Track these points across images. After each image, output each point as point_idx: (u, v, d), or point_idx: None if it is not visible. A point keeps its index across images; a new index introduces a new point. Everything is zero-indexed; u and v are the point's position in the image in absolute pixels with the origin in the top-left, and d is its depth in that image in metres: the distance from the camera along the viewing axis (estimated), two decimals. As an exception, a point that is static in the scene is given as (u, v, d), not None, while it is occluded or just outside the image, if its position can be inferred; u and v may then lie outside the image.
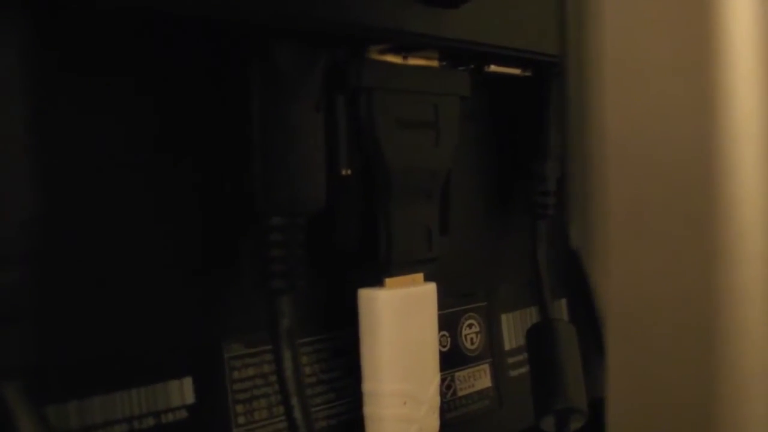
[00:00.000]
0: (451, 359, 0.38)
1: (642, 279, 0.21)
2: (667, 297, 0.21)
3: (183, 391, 0.29)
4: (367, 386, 0.32)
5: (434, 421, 0.34)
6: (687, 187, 0.21)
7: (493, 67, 0.37)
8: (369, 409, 0.32)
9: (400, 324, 0.32)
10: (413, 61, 0.33)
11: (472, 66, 0.36)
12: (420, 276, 0.33)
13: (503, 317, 0.42)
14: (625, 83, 0.22)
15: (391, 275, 0.32)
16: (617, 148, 0.21)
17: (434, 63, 0.34)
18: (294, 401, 0.29)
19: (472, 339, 0.40)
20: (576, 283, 0.44)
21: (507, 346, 0.42)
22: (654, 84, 0.21)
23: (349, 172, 0.31)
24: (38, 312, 0.24)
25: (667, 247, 0.21)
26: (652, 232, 0.21)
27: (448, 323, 0.38)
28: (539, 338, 0.39)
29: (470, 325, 0.40)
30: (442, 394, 0.37)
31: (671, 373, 0.21)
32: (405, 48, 0.32)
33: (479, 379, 0.40)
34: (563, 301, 0.45)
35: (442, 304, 0.35)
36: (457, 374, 0.39)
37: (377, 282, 0.32)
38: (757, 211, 0.20)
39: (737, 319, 0.20)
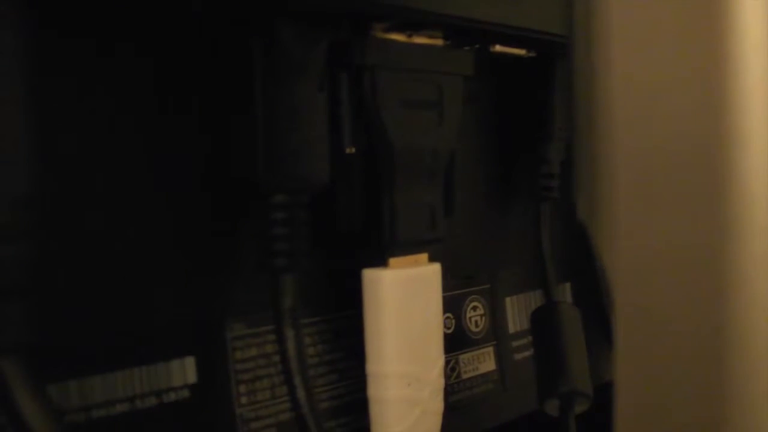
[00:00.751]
0: (456, 341, 0.38)
1: (649, 255, 0.21)
2: (675, 275, 0.20)
3: (185, 371, 0.29)
4: (371, 368, 0.32)
5: (438, 403, 0.33)
6: (694, 165, 0.20)
7: (498, 47, 0.36)
8: (373, 391, 0.32)
9: (404, 305, 0.32)
10: (418, 40, 0.33)
11: (477, 46, 0.36)
12: (424, 256, 0.33)
13: (507, 300, 0.41)
14: (632, 63, 0.21)
15: (394, 255, 0.32)
16: (624, 125, 0.21)
17: (439, 42, 0.34)
18: (296, 381, 0.29)
19: (476, 321, 0.39)
20: (582, 262, 0.43)
21: (511, 329, 0.41)
22: (662, 63, 0.21)
23: (353, 150, 0.31)
24: (39, 289, 0.24)
25: (675, 223, 0.21)
26: (659, 208, 0.21)
27: (452, 305, 0.38)
28: (543, 321, 0.39)
29: (474, 308, 0.39)
30: (447, 377, 0.37)
31: (680, 354, 0.21)
32: (410, 26, 0.32)
33: (483, 361, 0.40)
34: (567, 285, 0.45)
35: (446, 287, 0.34)
36: (461, 357, 0.38)
37: (381, 262, 0.32)
38: (766, 185, 0.20)
39: (747, 297, 0.20)
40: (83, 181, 0.27)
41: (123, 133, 0.27)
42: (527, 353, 0.41)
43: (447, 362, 0.37)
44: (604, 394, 0.37)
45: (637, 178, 0.21)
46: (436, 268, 0.33)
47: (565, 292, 0.44)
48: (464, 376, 0.38)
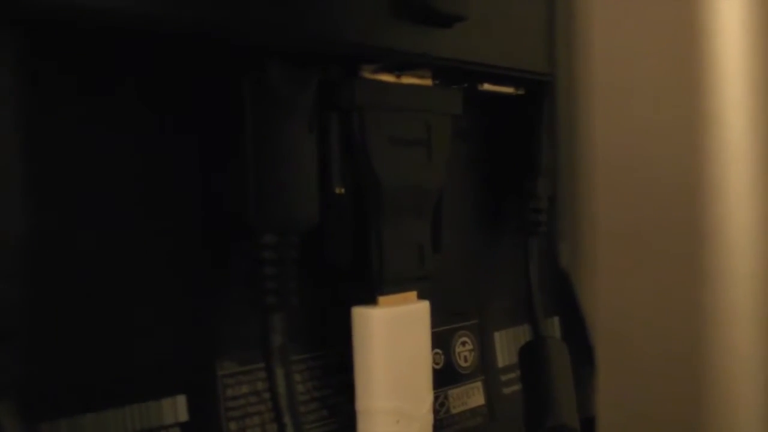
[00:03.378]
0: (445, 377, 0.39)
1: (630, 297, 0.21)
2: (656, 315, 0.21)
3: (176, 409, 0.29)
4: (361, 404, 0.32)
5: (427, 439, 0.34)
6: (676, 205, 0.21)
7: (486, 86, 0.37)
8: (362, 427, 0.32)
9: (393, 342, 0.32)
10: (406, 80, 0.33)
11: (466, 84, 0.36)
12: (413, 294, 0.34)
13: (496, 335, 0.42)
14: (614, 103, 0.22)
15: (384, 293, 0.32)
16: (606, 167, 0.22)
17: (427, 81, 0.34)
18: (287, 419, 0.29)
19: (465, 357, 0.40)
20: (567, 301, 0.44)
21: (500, 364, 0.42)
22: (643, 104, 0.21)
23: (342, 190, 0.31)
24: (30, 329, 0.24)
25: (655, 265, 0.21)
26: (640, 251, 0.21)
27: (441, 341, 0.38)
28: (531, 356, 0.39)
29: (463, 343, 0.40)
30: (436, 412, 0.37)
31: (660, 390, 0.21)
32: (398, 66, 0.32)
33: (472, 396, 0.40)
34: (555, 319, 0.45)
35: (435, 322, 0.35)
36: (450, 392, 0.39)
37: (370, 300, 0.32)
38: (745, 231, 0.20)
39: (725, 336, 0.20)
40: (74, 220, 0.27)
41: (114, 174, 0.28)
42: (516, 387, 0.42)
43: (436, 398, 0.37)
44: (586, 429, 0.38)
45: (618, 224, 0.22)
46: (425, 305, 0.34)
47: (553, 326, 0.45)
48: (453, 411, 0.39)
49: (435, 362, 0.38)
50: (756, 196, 0.20)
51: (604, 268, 0.22)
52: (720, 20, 0.21)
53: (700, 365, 0.21)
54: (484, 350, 0.41)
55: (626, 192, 0.21)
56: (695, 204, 0.21)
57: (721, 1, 0.21)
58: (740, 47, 0.20)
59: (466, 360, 0.40)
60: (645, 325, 0.21)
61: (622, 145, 0.21)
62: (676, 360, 0.21)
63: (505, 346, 0.42)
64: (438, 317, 0.37)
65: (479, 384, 0.40)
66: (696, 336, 0.21)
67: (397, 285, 0.33)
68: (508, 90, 0.38)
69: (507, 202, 0.42)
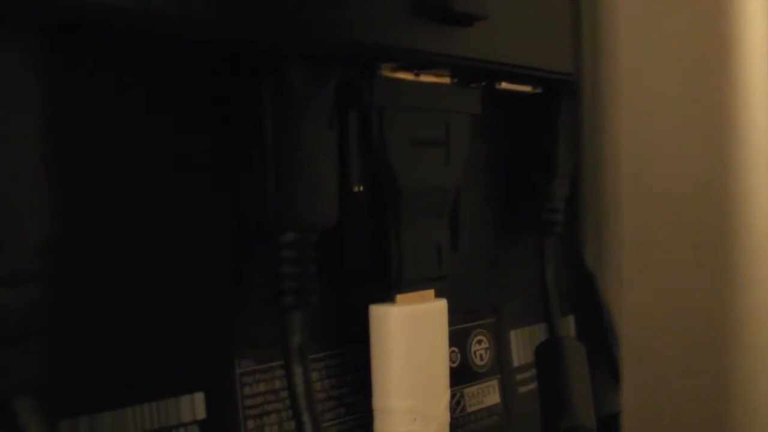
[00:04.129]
0: (461, 375, 0.39)
1: (655, 301, 0.21)
2: (680, 319, 0.21)
3: (195, 407, 0.29)
4: (378, 402, 0.32)
5: (444, 438, 0.34)
6: (700, 210, 0.21)
7: (504, 85, 0.37)
8: (379, 425, 0.32)
9: (410, 340, 0.32)
10: (425, 78, 0.33)
11: (484, 83, 0.36)
12: (431, 292, 0.34)
13: (512, 333, 0.42)
14: (639, 104, 0.22)
15: (401, 292, 0.32)
16: (630, 169, 0.22)
17: (446, 80, 0.34)
18: (305, 417, 0.29)
19: (481, 355, 0.40)
20: (587, 302, 0.44)
21: (516, 363, 0.42)
22: (668, 105, 0.21)
23: (360, 188, 0.31)
24: (51, 328, 0.24)
25: (680, 268, 0.21)
26: (664, 253, 0.21)
27: (457, 339, 0.39)
28: (547, 356, 0.39)
29: (479, 342, 0.40)
30: (452, 410, 0.37)
31: (684, 396, 0.21)
32: (417, 65, 0.32)
33: (488, 395, 0.40)
34: (571, 318, 0.45)
35: (452, 321, 0.35)
36: (466, 390, 0.39)
37: (388, 298, 0.32)
38: (770, 234, 0.20)
39: (749, 340, 0.20)
40: (95, 220, 0.27)
41: (135, 174, 0.28)
42: (532, 386, 0.42)
43: (452, 396, 0.37)
44: (609, 427, 0.38)
45: (643, 225, 0.21)
46: (442, 304, 0.34)
47: (569, 325, 0.45)
48: (469, 410, 0.39)
49: (451, 360, 0.38)
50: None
51: (628, 269, 0.21)
52: (747, 22, 0.21)
53: (725, 365, 0.21)
54: (500, 349, 0.41)
55: (651, 194, 0.21)
56: (721, 206, 0.21)
57: (752, 4, 0.21)
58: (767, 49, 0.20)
59: (482, 358, 0.40)
60: (669, 326, 0.21)
61: (647, 146, 0.21)
62: (700, 359, 0.21)
63: (521, 345, 0.42)
64: (454, 316, 0.37)
65: (495, 383, 0.40)
66: (720, 336, 0.21)
67: (415, 284, 0.33)
68: (525, 89, 0.38)
69: (524, 202, 0.42)
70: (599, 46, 0.24)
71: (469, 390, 0.39)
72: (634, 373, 0.22)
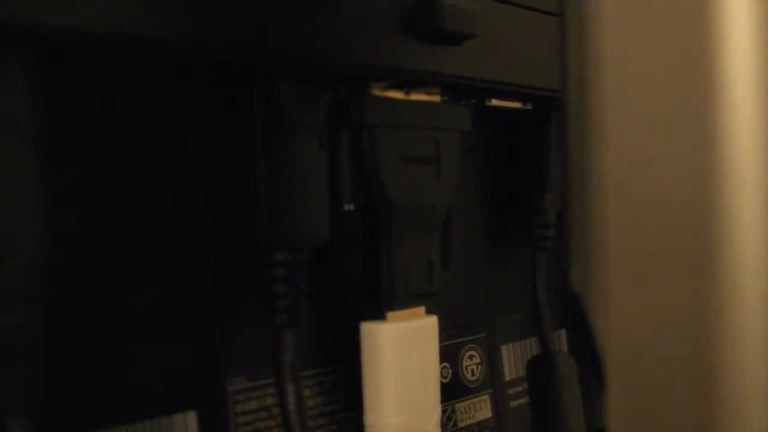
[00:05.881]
0: (452, 390, 0.39)
1: (641, 320, 0.21)
2: (666, 339, 0.21)
3: (187, 425, 0.29)
4: (369, 419, 0.32)
5: (435, 453, 0.34)
6: (687, 225, 0.21)
7: (494, 101, 0.37)
8: (371, 442, 0.32)
9: (401, 357, 0.32)
10: (415, 96, 0.33)
11: (474, 100, 0.37)
12: (421, 309, 0.34)
13: (503, 348, 0.42)
14: (625, 120, 0.22)
15: (392, 309, 0.32)
16: (617, 187, 0.22)
17: (436, 98, 0.34)
18: (297, 434, 0.29)
19: (472, 370, 0.40)
20: (576, 318, 0.44)
21: (507, 377, 0.42)
22: (655, 122, 0.21)
23: (351, 207, 0.32)
24: (45, 348, 0.24)
25: (667, 283, 0.21)
26: (651, 272, 0.21)
27: (449, 355, 0.39)
28: (539, 371, 0.39)
29: (471, 357, 0.40)
30: (443, 425, 0.37)
31: (671, 411, 0.21)
32: (407, 84, 0.33)
33: (480, 409, 0.40)
34: (563, 332, 0.45)
35: (443, 336, 0.35)
36: (457, 405, 0.39)
37: (379, 315, 0.32)
38: (756, 254, 0.20)
39: (736, 356, 0.21)
40: (86, 239, 0.27)
41: (127, 193, 0.28)
42: (523, 401, 0.42)
43: (443, 411, 0.38)
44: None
45: (630, 245, 0.22)
46: (433, 320, 0.34)
47: (560, 339, 0.45)
48: (461, 425, 0.39)
49: (442, 376, 0.38)
50: None
51: (614, 285, 0.22)
52: (734, 40, 0.21)
53: (712, 379, 0.21)
54: (492, 363, 0.41)
55: (638, 210, 0.22)
56: (707, 223, 0.21)
57: (735, 20, 0.21)
58: (754, 68, 0.20)
59: (473, 373, 0.40)
60: (656, 342, 0.21)
61: (633, 162, 0.22)
62: (687, 373, 0.21)
63: (513, 360, 0.42)
64: (446, 331, 0.37)
65: (486, 397, 0.41)
66: (707, 351, 0.21)
67: (406, 301, 0.33)
68: (515, 105, 0.39)
69: (515, 216, 0.42)
70: (586, 61, 0.24)
71: (461, 405, 0.39)
72: (621, 388, 0.22)
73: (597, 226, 0.22)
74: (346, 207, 0.32)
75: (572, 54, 0.27)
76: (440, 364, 0.36)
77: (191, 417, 0.29)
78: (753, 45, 0.21)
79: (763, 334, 0.20)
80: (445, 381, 0.38)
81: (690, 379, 0.20)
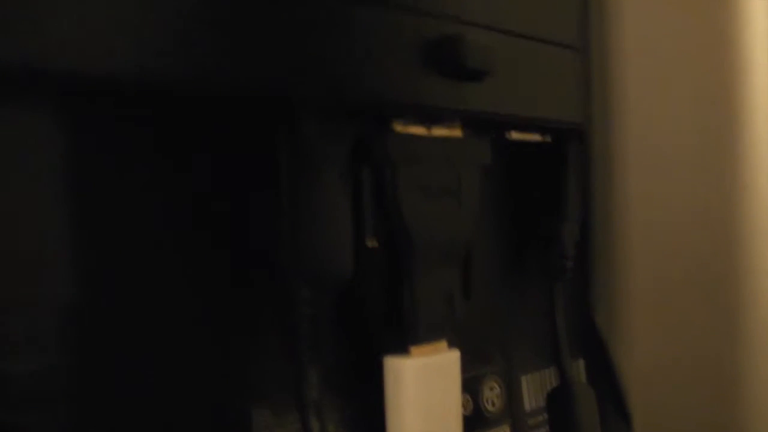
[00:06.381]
0: (473, 422, 0.39)
1: (664, 355, 0.22)
2: (690, 373, 0.21)
3: (212, 460, 0.30)
4: (392, 453, 0.32)
5: (457, 486, 0.34)
6: (709, 259, 0.21)
7: (514, 134, 0.38)
8: (394, 476, 0.32)
9: (424, 391, 0.33)
10: (437, 132, 0.34)
11: (494, 133, 0.37)
12: (444, 343, 0.34)
13: (523, 378, 0.42)
14: (648, 153, 0.22)
15: (416, 343, 0.33)
16: (640, 215, 0.22)
17: (457, 132, 0.35)
18: (321, 470, 0.29)
19: (492, 401, 0.40)
20: (595, 353, 0.44)
21: (527, 407, 0.42)
22: (678, 154, 0.22)
23: (374, 242, 0.32)
24: (73, 392, 0.24)
25: (689, 316, 0.21)
26: (674, 307, 0.22)
27: (470, 386, 0.39)
28: (559, 401, 0.40)
29: (491, 388, 0.40)
30: (464, 457, 0.37)
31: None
32: (429, 119, 0.33)
33: (500, 441, 0.40)
34: (581, 362, 0.45)
35: (464, 368, 0.35)
36: (478, 437, 0.39)
37: (403, 350, 0.33)
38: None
39: (759, 391, 0.21)
40: (112, 278, 0.27)
41: (153, 229, 0.28)
42: (543, 431, 0.42)
43: (465, 443, 0.38)
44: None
45: (653, 274, 0.22)
46: (455, 355, 0.34)
47: (579, 369, 0.45)
48: (482, 456, 0.39)
49: (463, 407, 0.38)
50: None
51: (637, 317, 0.22)
52: (759, 71, 0.21)
53: (734, 417, 0.21)
54: (512, 394, 0.41)
55: (660, 241, 0.22)
56: (730, 254, 0.21)
57: (760, 49, 0.21)
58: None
59: (493, 404, 0.40)
60: (679, 376, 0.22)
61: (656, 194, 0.22)
62: (710, 409, 0.21)
63: (532, 390, 0.42)
64: (466, 363, 0.37)
65: (506, 428, 0.41)
66: (731, 390, 0.21)
67: (428, 335, 0.33)
68: (535, 137, 0.39)
69: (534, 246, 0.42)
70: (608, 95, 0.25)
71: (482, 436, 0.39)
72: (645, 423, 0.22)
73: (620, 253, 0.22)
74: (369, 243, 0.32)
75: (595, 87, 0.27)
76: (462, 395, 0.36)
77: (216, 453, 0.30)
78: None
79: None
80: (466, 413, 0.38)
81: (713, 411, 0.21)
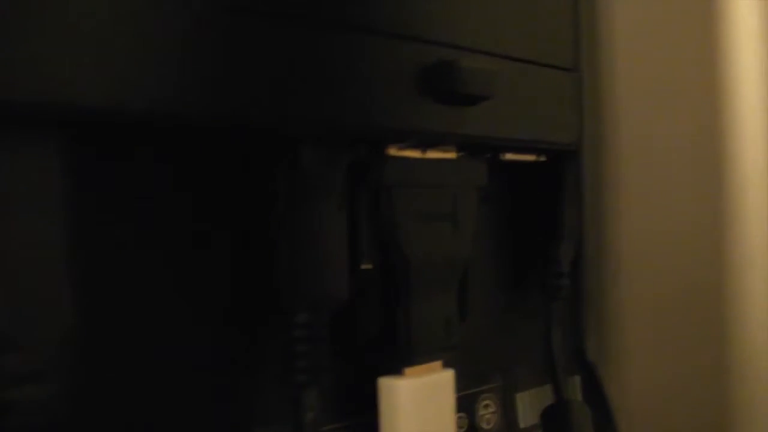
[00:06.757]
0: (468, 440, 0.39)
1: (658, 388, 0.22)
2: (683, 406, 0.22)
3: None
4: (388, 472, 0.33)
5: (452, 505, 0.34)
6: (701, 273, 0.21)
7: (509, 156, 0.38)
8: (388, 496, 0.33)
9: (418, 412, 0.33)
10: (432, 155, 0.34)
11: (489, 155, 0.37)
12: (438, 364, 0.34)
13: (518, 396, 0.42)
14: (640, 172, 0.22)
15: (410, 365, 0.33)
16: (632, 233, 0.22)
17: (452, 154, 0.35)
18: (317, 492, 0.30)
19: (488, 420, 0.40)
20: (589, 391, 0.44)
21: (522, 425, 0.42)
22: (670, 173, 0.22)
23: (370, 266, 0.32)
24: (73, 419, 0.25)
25: (684, 354, 0.22)
26: (667, 338, 0.22)
27: (465, 405, 0.39)
28: (554, 420, 0.40)
29: (486, 406, 0.40)
30: (459, 475, 0.38)
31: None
32: (424, 144, 0.33)
33: (495, 458, 0.40)
34: (577, 379, 0.45)
35: (460, 386, 0.35)
36: (473, 455, 0.39)
37: (397, 371, 0.33)
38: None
39: (751, 402, 0.21)
40: (110, 302, 0.28)
41: (149, 254, 0.29)
42: (538, 448, 0.42)
43: (460, 461, 0.38)
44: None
45: (644, 291, 0.22)
46: (449, 375, 0.34)
47: (574, 386, 0.45)
48: (477, 474, 0.39)
49: (459, 426, 0.38)
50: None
51: (629, 336, 0.22)
52: (745, 78, 0.22)
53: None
54: (507, 412, 0.41)
55: (652, 259, 0.22)
56: (722, 270, 0.21)
57: (744, 59, 0.22)
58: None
59: (488, 423, 0.40)
60: (672, 408, 0.22)
61: (647, 212, 0.22)
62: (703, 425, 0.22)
63: (527, 408, 0.42)
64: (461, 381, 0.38)
65: (502, 446, 0.41)
66: (723, 403, 0.21)
67: (423, 356, 0.34)
68: (529, 158, 0.39)
69: (530, 266, 0.42)
70: (600, 115, 0.25)
71: (477, 454, 0.40)
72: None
73: (612, 282, 0.22)
74: (364, 266, 0.32)
75: (588, 108, 0.28)
76: (457, 414, 0.37)
77: (214, 474, 0.30)
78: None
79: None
80: (462, 431, 0.39)
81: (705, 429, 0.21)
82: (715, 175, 0.22)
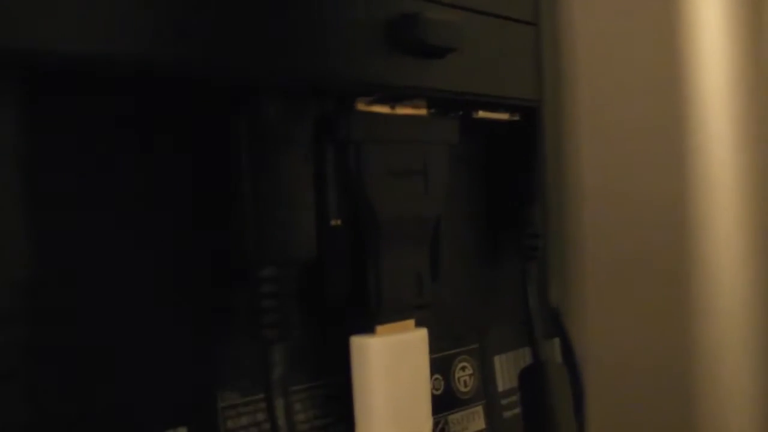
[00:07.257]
0: (445, 402, 0.39)
1: (619, 330, 0.22)
2: (644, 348, 0.21)
3: (177, 441, 0.29)
4: (361, 432, 0.32)
5: (428, 465, 0.34)
6: (662, 238, 0.21)
7: (481, 113, 0.37)
8: (362, 455, 0.32)
9: (391, 370, 0.33)
10: (401, 111, 0.34)
11: (461, 112, 0.37)
12: (411, 322, 0.34)
13: (496, 359, 0.42)
14: (601, 132, 0.22)
15: (382, 322, 0.33)
16: (593, 198, 0.22)
17: (422, 111, 0.35)
18: (287, 450, 0.29)
19: (465, 381, 0.40)
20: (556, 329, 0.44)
21: (500, 388, 0.42)
22: (630, 134, 0.22)
23: (338, 222, 0.32)
24: (31, 368, 0.24)
25: (643, 297, 0.21)
26: (627, 283, 0.22)
27: (441, 366, 0.39)
28: (531, 380, 0.40)
29: (463, 368, 0.40)
30: (436, 437, 0.37)
31: (649, 415, 0.21)
32: (393, 98, 0.33)
33: (473, 421, 0.40)
34: (556, 341, 0.45)
35: (435, 348, 0.35)
36: (450, 417, 0.39)
37: (369, 329, 0.33)
38: (730, 267, 0.20)
39: (712, 366, 0.21)
40: (73, 256, 0.27)
41: (108, 213, 0.28)
42: (516, 411, 0.42)
43: (436, 423, 0.38)
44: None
45: (606, 257, 0.22)
46: (422, 333, 0.34)
47: (554, 348, 0.45)
48: (454, 437, 0.39)
49: (435, 388, 0.38)
50: (742, 227, 0.21)
51: (592, 297, 0.22)
52: (707, 49, 0.21)
53: (688, 391, 0.21)
54: (485, 374, 0.41)
55: (613, 221, 0.22)
56: (683, 233, 0.21)
57: (708, 29, 0.21)
58: (727, 77, 0.21)
59: (466, 385, 0.40)
60: (633, 351, 0.22)
61: (608, 173, 0.22)
62: (664, 384, 0.21)
63: (505, 370, 0.42)
64: (438, 343, 0.37)
65: (479, 408, 0.41)
66: (684, 362, 0.21)
67: (395, 314, 0.33)
68: (502, 116, 0.39)
69: (505, 227, 0.42)
70: (560, 71, 0.25)
71: (453, 417, 0.39)
72: (600, 397, 0.22)
73: (574, 239, 0.22)
74: (332, 222, 0.32)
75: (547, 63, 0.27)
76: (433, 375, 0.36)
77: (182, 433, 0.30)
78: (724, 53, 0.21)
79: (739, 341, 0.20)
80: (438, 393, 0.38)
81: (668, 386, 0.21)
82: (679, 131, 0.22)
